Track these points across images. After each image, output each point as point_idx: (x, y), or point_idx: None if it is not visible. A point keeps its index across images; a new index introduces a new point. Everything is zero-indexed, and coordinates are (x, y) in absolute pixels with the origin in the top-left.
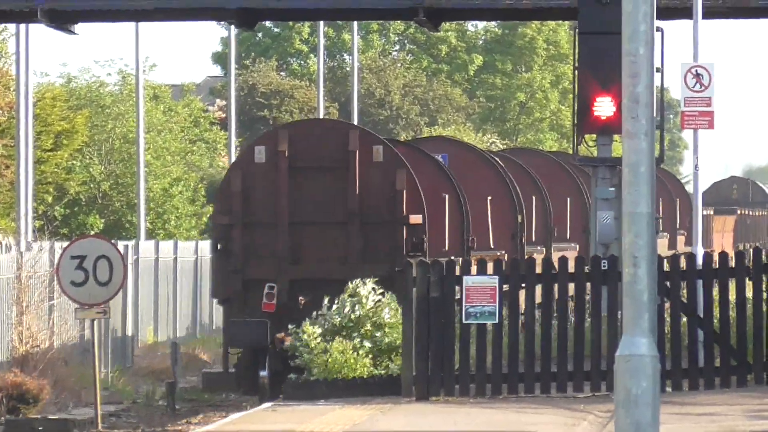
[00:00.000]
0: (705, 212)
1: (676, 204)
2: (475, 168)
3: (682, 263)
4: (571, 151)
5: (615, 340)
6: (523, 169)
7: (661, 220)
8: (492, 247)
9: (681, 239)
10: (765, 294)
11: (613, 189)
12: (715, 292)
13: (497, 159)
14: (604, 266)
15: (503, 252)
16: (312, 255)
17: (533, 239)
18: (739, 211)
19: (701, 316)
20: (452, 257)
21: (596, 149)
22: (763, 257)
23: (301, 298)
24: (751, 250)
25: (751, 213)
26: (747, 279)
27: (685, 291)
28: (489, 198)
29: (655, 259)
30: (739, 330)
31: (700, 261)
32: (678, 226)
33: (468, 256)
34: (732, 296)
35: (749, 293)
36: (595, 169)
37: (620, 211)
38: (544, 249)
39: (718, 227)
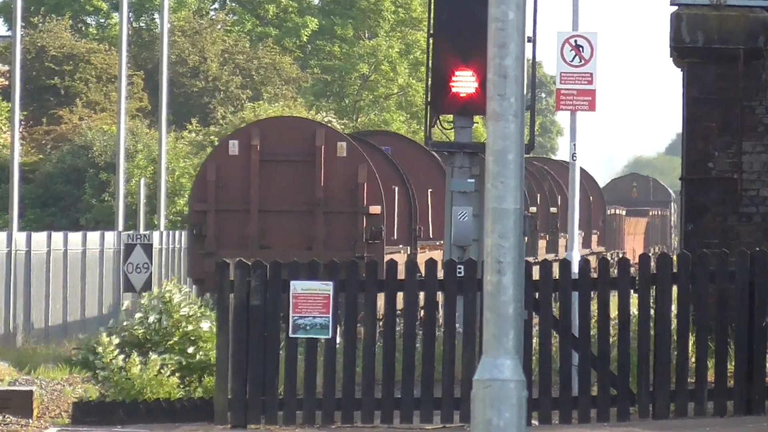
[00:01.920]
0: (616, 212)
1: (590, 201)
2: (416, 161)
3: (555, 272)
4: (422, 135)
5: (472, 362)
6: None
7: (531, 219)
8: (431, 237)
9: (594, 239)
10: (652, 311)
11: (472, 181)
12: (594, 306)
13: (434, 154)
14: (459, 272)
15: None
16: (279, 241)
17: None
18: (651, 212)
19: (576, 335)
20: (400, 246)
21: (453, 133)
22: (652, 265)
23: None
24: (638, 257)
25: (660, 214)
26: (632, 292)
27: (557, 305)
28: (430, 190)
29: (522, 266)
30: (621, 353)
31: (576, 269)
32: (591, 226)
33: (415, 245)
34: (614, 312)
35: (634, 309)
36: (451, 157)
37: (481, 207)
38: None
39: (630, 229)
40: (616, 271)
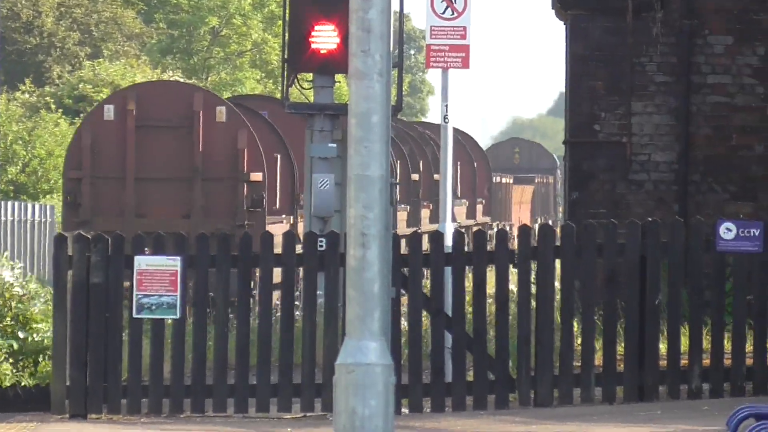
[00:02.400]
0: (502, 180)
1: (474, 168)
2: (298, 128)
3: (426, 245)
4: (279, 96)
5: (335, 345)
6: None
7: (397, 187)
8: None
9: (479, 209)
10: (534, 288)
11: (334, 145)
12: (469, 283)
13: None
14: (320, 246)
15: None
16: (157, 210)
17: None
18: (537, 180)
19: (449, 314)
20: (283, 216)
21: (313, 93)
22: (533, 238)
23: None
24: (518, 228)
25: (546, 181)
26: (510, 266)
27: (428, 282)
28: None
29: (389, 239)
30: (499, 334)
31: (449, 242)
32: (476, 194)
33: (296, 215)
34: (491, 290)
35: (514, 286)
36: (310, 119)
37: (344, 175)
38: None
39: (517, 198)
40: (494, 244)
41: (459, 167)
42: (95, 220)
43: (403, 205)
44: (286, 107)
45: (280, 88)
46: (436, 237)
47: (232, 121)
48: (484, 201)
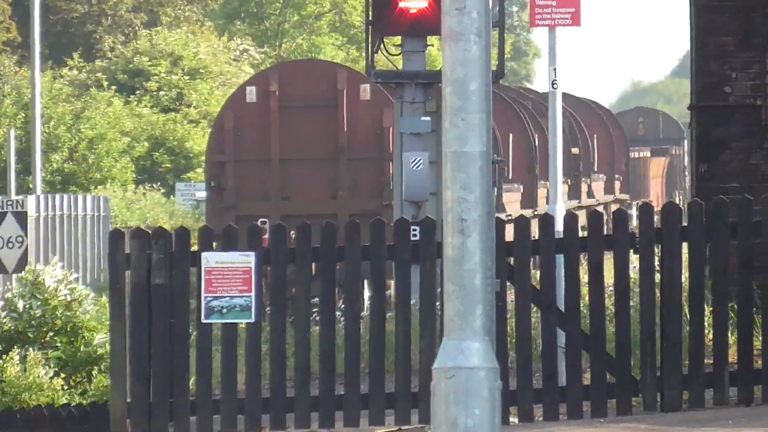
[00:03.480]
0: (639, 154)
1: (612, 140)
2: None
3: (535, 231)
4: (363, 64)
5: (433, 348)
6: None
7: (499, 165)
8: None
9: (617, 185)
10: (658, 275)
11: (428, 119)
12: (584, 273)
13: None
14: (414, 235)
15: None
16: (303, 192)
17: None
18: (672, 151)
19: (562, 309)
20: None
21: (402, 59)
22: (655, 218)
23: (292, 232)
24: (636, 207)
25: (678, 153)
26: (631, 252)
27: (538, 272)
28: (511, 135)
29: (492, 224)
30: (619, 330)
31: (560, 226)
32: (614, 170)
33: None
34: (610, 279)
35: (635, 275)
36: (399, 89)
37: (439, 153)
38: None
39: (653, 172)
40: (611, 227)
41: (596, 140)
42: (240, 204)
43: (516, 185)
44: (372, 76)
45: (364, 54)
46: (546, 221)
47: (376, 99)
48: (621, 177)
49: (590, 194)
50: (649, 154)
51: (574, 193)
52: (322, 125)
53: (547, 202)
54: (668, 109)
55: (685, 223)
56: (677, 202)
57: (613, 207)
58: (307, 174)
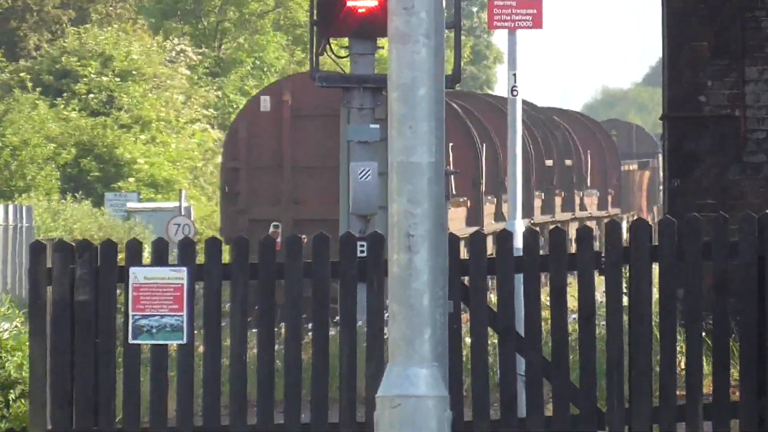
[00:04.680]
0: (629, 167)
1: (604, 153)
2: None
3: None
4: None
5: (380, 374)
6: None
7: (452, 177)
8: (454, 194)
9: (609, 200)
10: (625, 297)
11: (377, 126)
12: (546, 295)
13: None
14: (362, 251)
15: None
16: (312, 197)
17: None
18: (651, 164)
19: (522, 334)
20: None
21: (349, 62)
22: (624, 236)
23: (303, 236)
24: (606, 224)
25: (656, 167)
26: (596, 273)
27: (494, 293)
28: (451, 145)
29: (443, 240)
30: (584, 357)
31: (519, 243)
32: (607, 184)
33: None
34: (573, 301)
35: (601, 297)
36: (347, 94)
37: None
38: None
39: (641, 186)
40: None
41: (589, 155)
42: (253, 209)
43: (461, 199)
44: (316, 80)
45: (309, 57)
46: (503, 237)
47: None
48: (613, 191)
49: (582, 207)
50: (636, 167)
51: (567, 205)
52: (332, 133)
53: (496, 219)
54: (642, 119)
55: (656, 242)
56: (654, 217)
57: (605, 221)
58: (317, 180)
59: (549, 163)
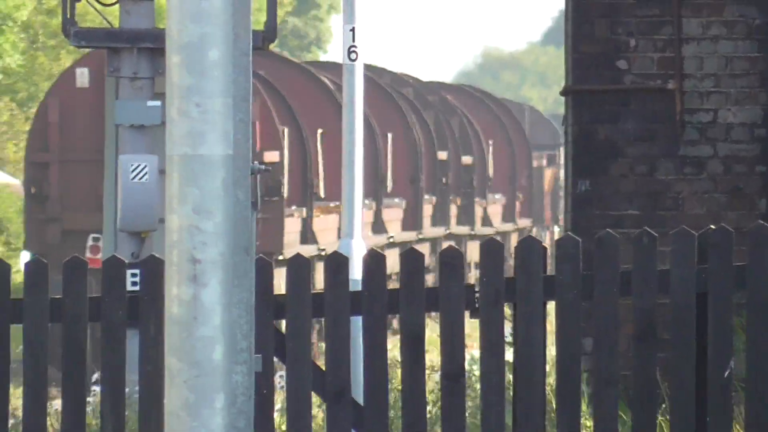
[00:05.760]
0: (537, 162)
1: (512, 147)
2: (300, 91)
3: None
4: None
5: None
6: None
7: (265, 175)
8: (322, 197)
9: (518, 207)
10: (509, 348)
11: (158, 104)
12: (394, 345)
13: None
14: (133, 283)
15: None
16: None
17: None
18: (556, 158)
19: (359, 401)
20: (293, 207)
21: (119, 13)
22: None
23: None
24: (480, 246)
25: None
26: (465, 314)
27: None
28: (320, 131)
29: (249, 268)
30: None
31: (358, 272)
32: (516, 186)
33: (312, 207)
34: (435, 355)
35: (472, 342)
36: (113, 58)
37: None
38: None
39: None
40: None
41: (491, 148)
42: (65, 216)
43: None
44: (72, 37)
45: (62, 11)
46: (335, 264)
47: None
48: (522, 196)
49: (486, 221)
50: (545, 162)
51: (465, 217)
52: None
53: (372, 231)
54: (539, 94)
55: (552, 271)
56: (554, 234)
57: (514, 237)
58: None
59: (442, 156)
